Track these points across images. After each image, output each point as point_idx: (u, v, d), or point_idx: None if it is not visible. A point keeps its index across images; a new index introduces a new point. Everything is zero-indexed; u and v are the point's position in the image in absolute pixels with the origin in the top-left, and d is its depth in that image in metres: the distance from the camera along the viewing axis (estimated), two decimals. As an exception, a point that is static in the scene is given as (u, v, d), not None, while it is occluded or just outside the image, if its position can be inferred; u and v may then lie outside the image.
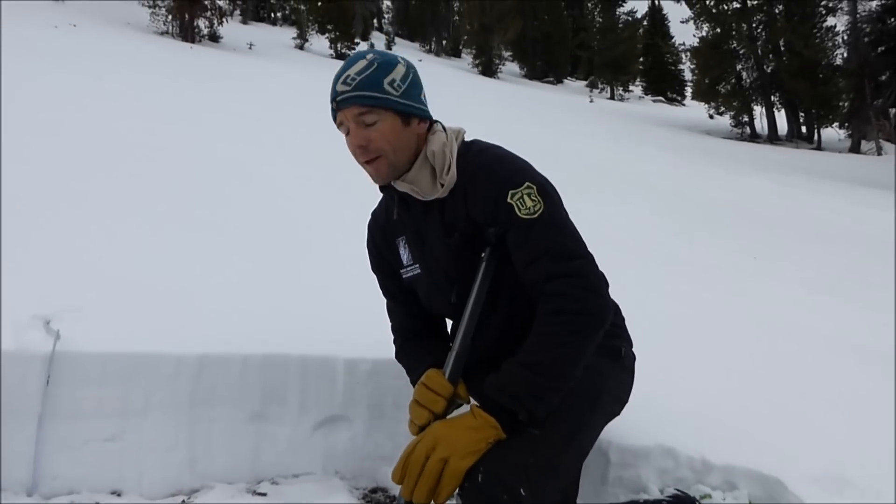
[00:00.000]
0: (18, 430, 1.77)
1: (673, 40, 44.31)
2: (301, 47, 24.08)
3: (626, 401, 1.61)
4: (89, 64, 8.52)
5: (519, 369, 1.31)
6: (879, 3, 23.54)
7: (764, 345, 3.00)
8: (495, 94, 21.70)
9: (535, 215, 1.36)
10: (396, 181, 1.46)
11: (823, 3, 26.12)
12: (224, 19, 19.94)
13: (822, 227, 6.81)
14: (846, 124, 25.09)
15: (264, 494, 1.93)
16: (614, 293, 1.43)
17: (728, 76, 28.68)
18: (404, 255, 1.58)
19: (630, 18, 43.81)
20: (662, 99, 41.79)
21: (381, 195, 1.60)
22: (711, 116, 29.30)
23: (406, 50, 30.87)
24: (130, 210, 3.19)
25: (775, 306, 3.71)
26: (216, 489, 1.91)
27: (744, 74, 28.55)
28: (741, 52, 28.24)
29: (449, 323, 1.69)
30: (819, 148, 24.17)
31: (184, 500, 1.86)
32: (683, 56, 36.02)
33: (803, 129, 27.20)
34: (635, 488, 1.84)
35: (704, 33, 29.25)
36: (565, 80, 39.82)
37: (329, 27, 25.08)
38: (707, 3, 28.01)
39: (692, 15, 28.98)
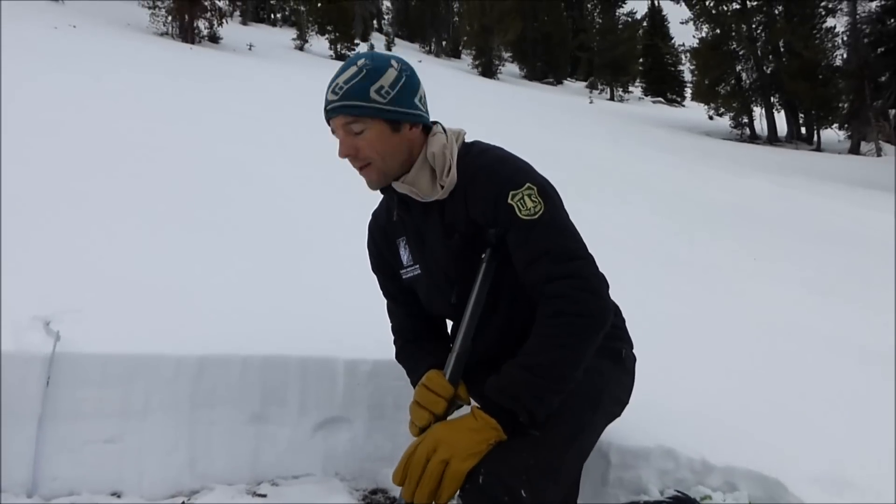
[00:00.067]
0: (18, 431, 1.77)
1: (673, 41, 44.36)
2: (301, 48, 24.08)
3: (627, 402, 1.61)
4: (89, 64, 8.52)
5: (519, 371, 1.31)
6: (879, 4, 23.55)
7: (764, 345, 3.00)
8: (495, 95, 21.70)
9: (536, 216, 1.36)
10: (396, 182, 1.46)
11: (823, 3, 26.12)
12: (224, 20, 19.94)
13: (822, 227, 6.80)
14: (846, 125, 25.10)
15: (264, 496, 1.93)
16: (614, 293, 1.42)
17: (728, 77, 28.68)
18: (404, 255, 1.58)
19: (630, 19, 43.81)
20: (662, 100, 41.81)
21: (381, 196, 1.60)
22: (711, 117, 29.32)
23: (406, 51, 30.87)
24: (130, 210, 3.19)
25: (775, 306, 3.71)
26: (216, 490, 1.90)
27: (743, 75, 28.55)
28: (741, 53, 28.23)
29: (449, 324, 1.69)
30: (819, 149, 24.17)
31: (184, 502, 1.86)
32: (683, 57, 36.04)
33: (803, 130, 27.21)
34: (635, 489, 1.84)
35: (704, 34, 29.26)
36: (565, 81, 39.82)
37: (329, 28, 25.07)
38: (707, 3, 28.01)
39: (692, 16, 28.98)
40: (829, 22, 26.72)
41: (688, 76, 38.80)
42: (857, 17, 24.04)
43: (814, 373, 2.69)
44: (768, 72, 27.55)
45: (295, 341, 2.12)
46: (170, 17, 18.10)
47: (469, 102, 14.80)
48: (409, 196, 1.47)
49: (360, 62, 1.40)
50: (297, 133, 6.36)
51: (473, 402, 1.42)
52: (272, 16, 31.90)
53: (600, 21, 43.80)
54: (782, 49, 27.27)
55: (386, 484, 2.03)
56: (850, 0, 24.25)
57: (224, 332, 2.08)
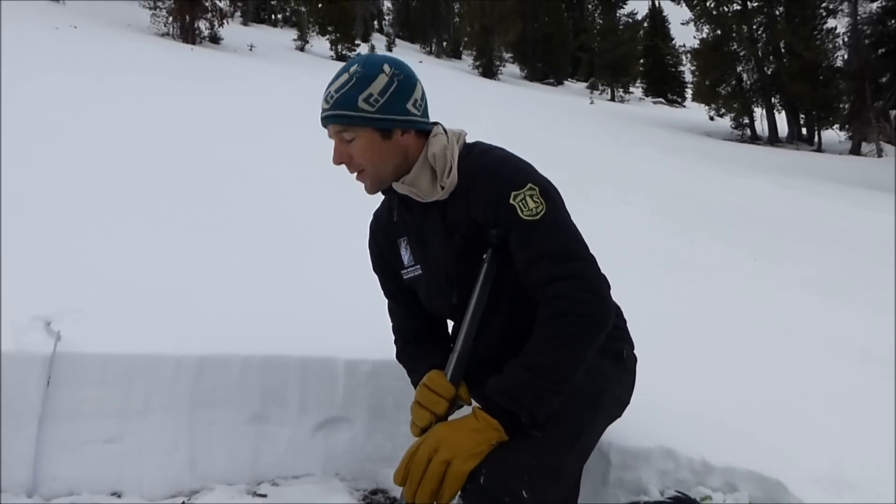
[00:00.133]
0: (19, 431, 1.77)
1: (673, 42, 44.39)
2: (302, 49, 24.10)
3: (628, 403, 1.61)
4: (89, 65, 8.53)
5: (520, 371, 1.31)
6: (880, 5, 23.54)
7: (764, 345, 2.99)
8: (496, 95, 21.71)
9: (538, 217, 1.36)
10: (396, 183, 1.46)
11: (824, 4, 26.12)
12: (225, 21, 20.00)
13: (822, 228, 6.80)
14: (846, 126, 25.09)
15: (264, 496, 1.93)
16: (614, 294, 1.42)
17: (728, 78, 28.67)
18: (405, 255, 1.58)
19: (630, 20, 43.85)
20: (663, 100, 41.83)
21: (382, 196, 1.60)
22: (712, 118, 29.31)
23: (406, 51, 30.90)
24: (130, 210, 3.19)
25: (775, 306, 3.71)
26: (216, 490, 1.90)
27: (744, 76, 28.54)
28: (742, 53, 28.23)
29: (450, 324, 1.69)
30: (819, 150, 24.17)
31: (184, 502, 1.86)
32: (684, 58, 36.05)
33: (804, 130, 27.20)
34: (636, 490, 1.84)
35: (705, 35, 29.24)
36: (566, 82, 39.87)
37: (329, 29, 25.10)
38: (707, 4, 28.02)
39: (693, 17, 28.96)
40: (830, 23, 26.76)
41: (688, 77, 38.84)
42: (858, 17, 24.03)
43: (814, 373, 2.69)
44: (769, 72, 27.55)
45: (295, 341, 2.12)
46: (171, 18, 18.14)
47: (469, 103, 14.80)
48: (410, 196, 1.47)
49: (352, 69, 1.40)
50: (297, 133, 6.36)
51: (475, 403, 1.42)
52: (273, 16, 31.95)
53: (601, 22, 43.88)
54: (783, 50, 27.27)
55: (386, 484, 2.03)
56: (850, 1, 24.25)
57: (224, 332, 2.08)
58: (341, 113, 1.38)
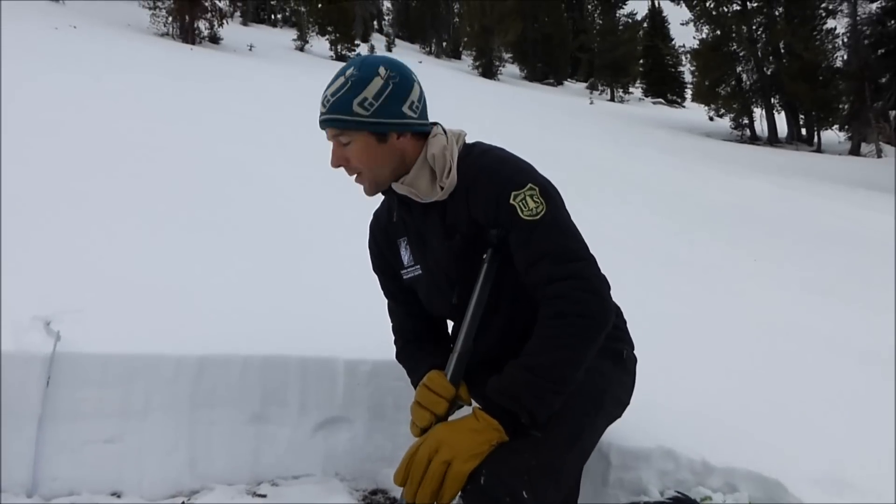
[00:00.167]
0: (18, 431, 1.77)
1: (673, 42, 44.38)
2: (301, 49, 24.11)
3: (628, 403, 1.61)
4: (89, 64, 8.53)
5: (520, 371, 1.31)
6: (879, 6, 23.55)
7: (764, 345, 2.99)
8: (495, 95, 21.71)
9: (538, 217, 1.36)
10: (395, 183, 1.46)
11: (823, 5, 26.13)
12: (224, 21, 20.01)
13: (822, 228, 6.80)
14: (846, 127, 25.11)
15: (264, 496, 1.93)
16: (614, 294, 1.42)
17: (728, 78, 28.68)
18: (405, 256, 1.58)
19: (630, 20, 43.86)
20: (662, 101, 41.85)
21: (382, 196, 1.60)
22: (711, 118, 29.34)
23: (406, 51, 30.91)
24: (130, 210, 3.19)
25: (775, 307, 3.71)
26: (216, 490, 1.90)
27: (744, 77, 28.55)
28: (741, 54, 28.23)
29: (450, 324, 1.69)
30: (819, 150, 24.18)
31: (184, 502, 1.86)
32: (683, 58, 36.07)
33: (803, 131, 27.21)
34: (636, 490, 1.84)
35: (704, 35, 29.26)
36: (565, 82, 39.87)
37: (329, 29, 25.11)
38: (707, 5, 28.03)
39: (692, 17, 28.99)
40: (830, 23, 26.77)
41: (688, 77, 38.87)
42: (858, 18, 24.04)
43: (814, 373, 2.69)
44: (769, 73, 27.56)
45: (295, 341, 2.12)
46: (170, 18, 18.15)
47: (469, 103, 14.80)
48: (410, 197, 1.47)
49: (348, 72, 1.40)
50: (297, 133, 6.36)
51: (475, 403, 1.42)
52: (273, 16, 31.95)
53: (601, 22, 43.89)
54: (782, 50, 27.28)
55: (386, 484, 2.03)
56: (850, 1, 24.26)
57: (224, 332, 2.08)
58: (336, 117, 1.39)
